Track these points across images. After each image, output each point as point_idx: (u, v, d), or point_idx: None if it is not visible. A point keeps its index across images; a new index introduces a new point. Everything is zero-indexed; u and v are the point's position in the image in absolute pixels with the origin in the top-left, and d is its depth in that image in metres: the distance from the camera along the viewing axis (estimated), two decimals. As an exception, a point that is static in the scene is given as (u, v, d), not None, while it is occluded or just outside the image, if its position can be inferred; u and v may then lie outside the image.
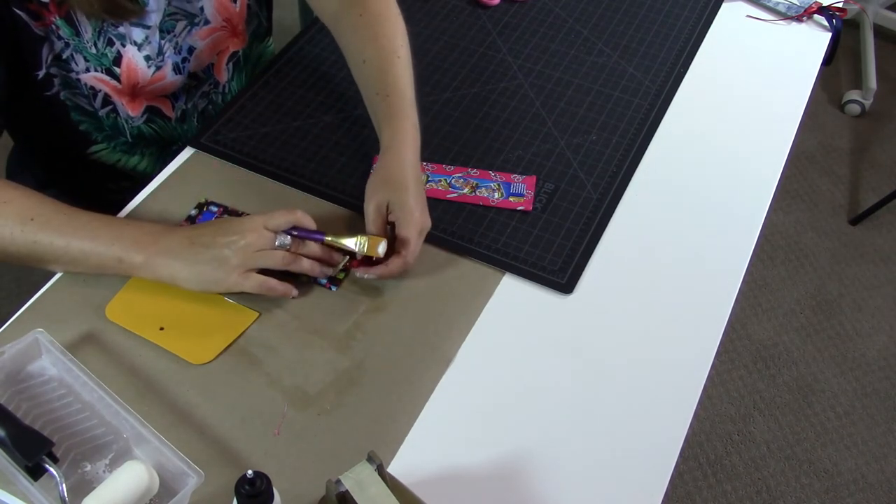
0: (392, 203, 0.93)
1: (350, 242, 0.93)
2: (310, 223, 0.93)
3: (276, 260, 0.90)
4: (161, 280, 0.89)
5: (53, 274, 0.93)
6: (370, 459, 0.71)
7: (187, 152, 1.08)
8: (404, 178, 0.95)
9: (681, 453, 0.84)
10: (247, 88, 1.16)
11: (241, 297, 0.93)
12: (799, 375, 1.99)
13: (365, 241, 0.93)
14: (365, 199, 0.95)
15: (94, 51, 0.99)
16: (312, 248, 0.93)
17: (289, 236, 0.92)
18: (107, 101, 1.06)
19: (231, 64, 1.18)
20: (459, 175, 1.06)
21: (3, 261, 0.88)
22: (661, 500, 0.81)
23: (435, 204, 1.03)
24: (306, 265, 0.92)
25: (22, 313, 0.91)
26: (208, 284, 0.89)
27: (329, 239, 0.94)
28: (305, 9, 2.12)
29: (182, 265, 0.88)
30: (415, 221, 0.92)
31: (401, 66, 1.03)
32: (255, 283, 0.89)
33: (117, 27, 1.00)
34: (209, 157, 1.07)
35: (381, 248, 0.93)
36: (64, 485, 0.73)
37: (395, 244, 0.94)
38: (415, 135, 0.99)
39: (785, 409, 1.93)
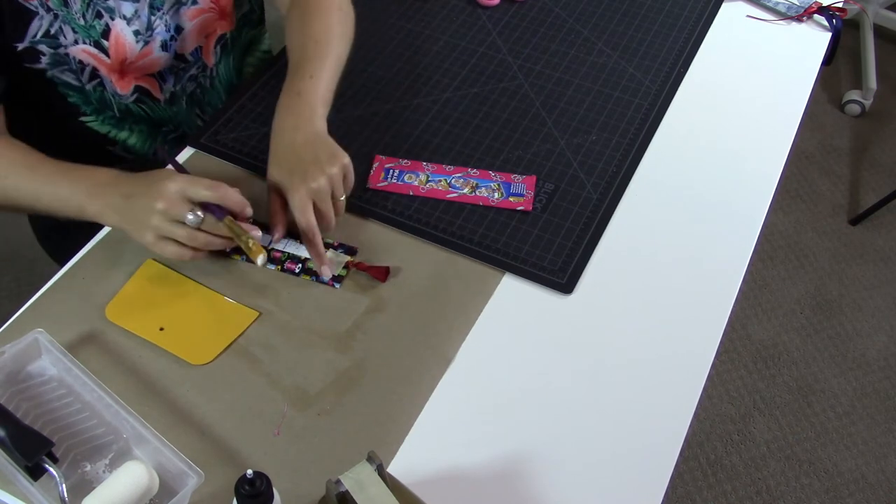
0: None
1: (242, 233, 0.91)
2: (236, 201, 0.91)
3: (181, 236, 0.89)
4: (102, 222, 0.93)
5: (53, 274, 0.94)
6: (370, 459, 0.71)
7: (187, 152, 1.08)
8: (271, 151, 0.98)
9: (681, 453, 0.84)
10: (246, 88, 1.16)
11: (241, 297, 0.93)
12: (799, 375, 1.99)
13: (248, 241, 0.91)
14: None
15: (82, 22, 0.99)
16: (223, 228, 0.91)
17: (201, 213, 0.89)
18: (94, 75, 1.06)
19: (219, 47, 1.18)
20: (459, 175, 1.06)
21: None
22: (661, 500, 0.81)
23: (435, 204, 1.03)
24: (208, 241, 0.90)
25: (22, 313, 0.91)
26: (130, 234, 0.90)
27: (228, 221, 0.91)
28: (305, 9, 2.12)
29: (112, 214, 0.90)
30: (278, 196, 0.96)
31: (314, 48, 1.05)
32: (170, 253, 0.89)
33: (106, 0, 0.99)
34: (209, 157, 1.07)
35: (261, 259, 0.92)
36: (64, 485, 0.73)
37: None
38: (290, 101, 1.00)
39: (785, 409, 1.93)
